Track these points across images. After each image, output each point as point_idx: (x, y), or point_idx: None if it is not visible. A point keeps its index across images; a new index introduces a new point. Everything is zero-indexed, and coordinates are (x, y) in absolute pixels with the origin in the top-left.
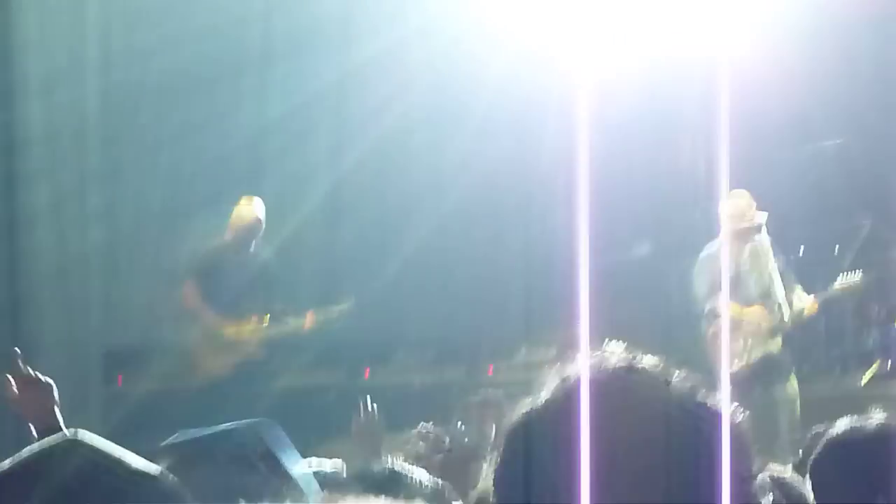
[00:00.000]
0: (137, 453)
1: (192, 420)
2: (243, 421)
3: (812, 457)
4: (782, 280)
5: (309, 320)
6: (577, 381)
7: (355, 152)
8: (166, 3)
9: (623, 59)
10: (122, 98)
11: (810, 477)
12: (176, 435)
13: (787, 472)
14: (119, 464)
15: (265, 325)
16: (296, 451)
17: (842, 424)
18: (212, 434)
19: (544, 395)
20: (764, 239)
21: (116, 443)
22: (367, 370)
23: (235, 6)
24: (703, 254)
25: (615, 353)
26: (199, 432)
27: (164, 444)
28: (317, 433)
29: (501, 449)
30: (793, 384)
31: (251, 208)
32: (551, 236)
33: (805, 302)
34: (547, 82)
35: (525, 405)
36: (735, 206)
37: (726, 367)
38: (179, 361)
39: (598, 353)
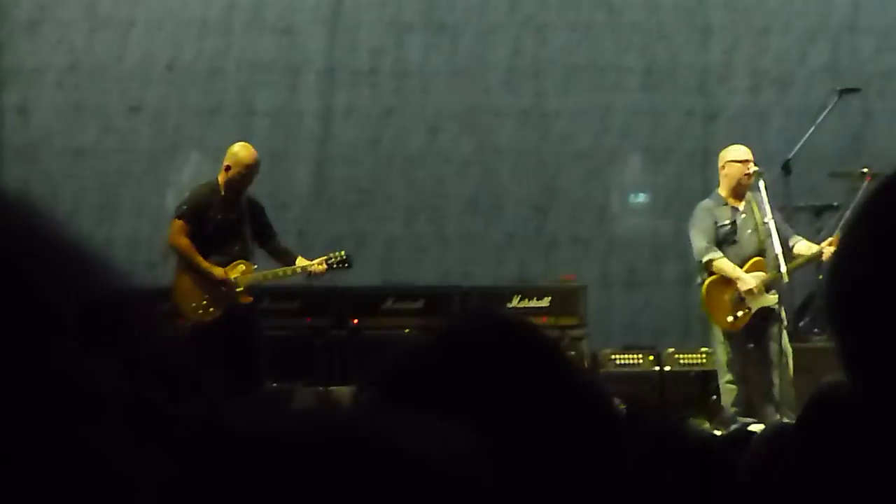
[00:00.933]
0: None
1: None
2: None
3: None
4: (779, 234)
5: (298, 267)
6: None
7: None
8: None
9: None
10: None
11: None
12: None
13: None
14: None
15: (255, 268)
16: None
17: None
18: None
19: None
20: (761, 191)
21: None
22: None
23: None
24: (697, 207)
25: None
26: None
27: None
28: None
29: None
30: (786, 340)
31: (250, 149)
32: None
33: (814, 249)
34: None
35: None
36: (733, 155)
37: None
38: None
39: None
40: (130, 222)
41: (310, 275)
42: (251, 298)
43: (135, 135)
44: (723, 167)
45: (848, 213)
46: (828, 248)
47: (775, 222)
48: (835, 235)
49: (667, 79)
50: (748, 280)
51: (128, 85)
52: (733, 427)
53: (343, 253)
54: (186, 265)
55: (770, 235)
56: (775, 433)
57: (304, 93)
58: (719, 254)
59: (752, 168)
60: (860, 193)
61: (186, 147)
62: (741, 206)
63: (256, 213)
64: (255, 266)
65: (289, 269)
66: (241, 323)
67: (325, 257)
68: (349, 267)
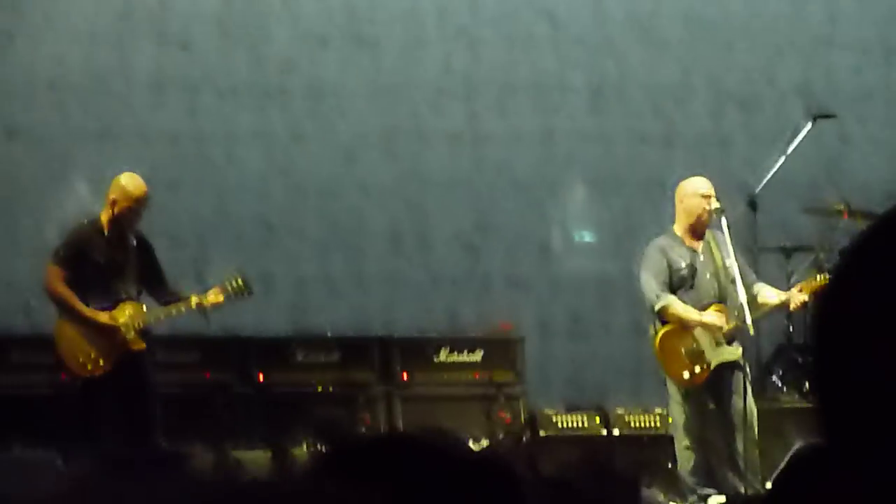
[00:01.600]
0: None
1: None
2: None
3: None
4: (743, 279)
5: (193, 302)
6: None
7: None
8: None
9: None
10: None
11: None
12: None
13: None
14: None
15: (144, 309)
16: None
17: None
18: None
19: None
20: (723, 229)
21: None
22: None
23: None
24: (649, 245)
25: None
26: None
27: None
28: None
29: None
30: (751, 398)
31: (137, 180)
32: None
33: (782, 297)
34: None
35: None
36: (692, 189)
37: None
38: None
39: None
40: (5, 262)
41: (205, 310)
42: (144, 345)
43: (12, 162)
44: (680, 201)
45: (830, 257)
46: (797, 296)
47: (738, 266)
48: (807, 281)
49: (617, 100)
50: (709, 320)
51: (3, 105)
52: (691, 499)
53: (240, 280)
54: (68, 314)
55: (733, 281)
56: None
57: (203, 114)
58: (672, 298)
59: (714, 203)
60: (836, 232)
61: (71, 176)
62: (699, 246)
63: (145, 253)
64: (144, 307)
65: (181, 306)
66: (133, 376)
67: (221, 286)
68: (250, 294)
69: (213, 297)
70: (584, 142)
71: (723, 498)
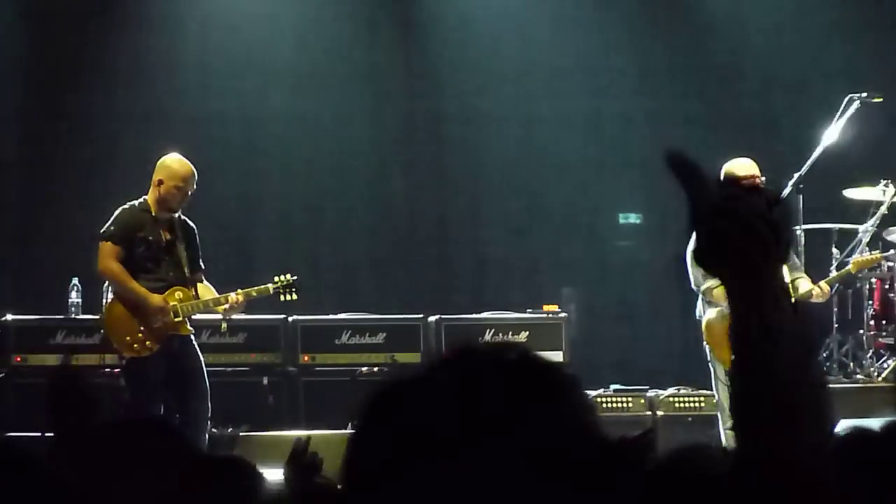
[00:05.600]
0: None
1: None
2: None
3: None
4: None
5: (239, 297)
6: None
7: None
8: None
9: None
10: None
11: None
12: None
13: None
14: None
15: (194, 296)
16: None
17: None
18: None
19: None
20: None
21: None
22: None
23: None
24: None
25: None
26: None
27: None
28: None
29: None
30: None
31: (185, 162)
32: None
33: (812, 286)
34: None
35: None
36: (736, 171)
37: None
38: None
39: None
40: (50, 243)
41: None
42: (192, 330)
43: (57, 143)
44: (727, 173)
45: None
46: (818, 289)
47: None
48: (832, 274)
49: (664, 81)
50: None
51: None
52: None
53: (292, 277)
54: (120, 293)
55: None
56: None
57: (249, 97)
58: (718, 280)
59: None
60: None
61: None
62: None
63: (189, 236)
64: (194, 292)
65: (233, 296)
66: (181, 358)
67: (273, 283)
68: (298, 293)
69: (263, 290)
70: (632, 123)
71: None
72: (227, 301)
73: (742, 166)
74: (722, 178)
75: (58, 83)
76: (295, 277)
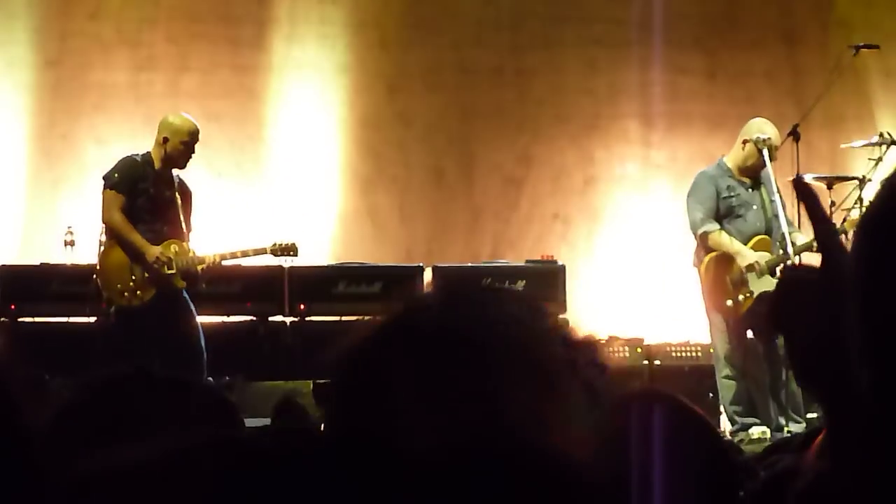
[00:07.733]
0: None
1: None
2: None
3: None
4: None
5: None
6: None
7: None
8: None
9: None
10: None
11: None
12: None
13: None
14: None
15: (189, 251)
16: None
17: None
18: None
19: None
20: (767, 163)
21: None
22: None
23: None
24: (699, 174)
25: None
26: None
27: None
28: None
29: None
30: None
31: (188, 119)
32: None
33: (809, 239)
34: None
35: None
36: (759, 135)
37: None
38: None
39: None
40: (44, 193)
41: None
42: (184, 284)
43: (52, 94)
44: (743, 145)
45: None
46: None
47: (781, 200)
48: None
49: (659, 31)
50: (749, 255)
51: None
52: (731, 428)
53: (291, 243)
54: (120, 242)
55: (776, 214)
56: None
57: (244, 47)
58: (717, 226)
59: (766, 134)
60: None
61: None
62: (748, 179)
63: (186, 197)
64: (190, 248)
65: (229, 254)
66: (172, 307)
67: (272, 246)
68: (294, 256)
69: (261, 251)
70: (627, 74)
71: (765, 428)
72: (221, 259)
73: (777, 135)
74: (743, 135)
75: None
76: (293, 242)
